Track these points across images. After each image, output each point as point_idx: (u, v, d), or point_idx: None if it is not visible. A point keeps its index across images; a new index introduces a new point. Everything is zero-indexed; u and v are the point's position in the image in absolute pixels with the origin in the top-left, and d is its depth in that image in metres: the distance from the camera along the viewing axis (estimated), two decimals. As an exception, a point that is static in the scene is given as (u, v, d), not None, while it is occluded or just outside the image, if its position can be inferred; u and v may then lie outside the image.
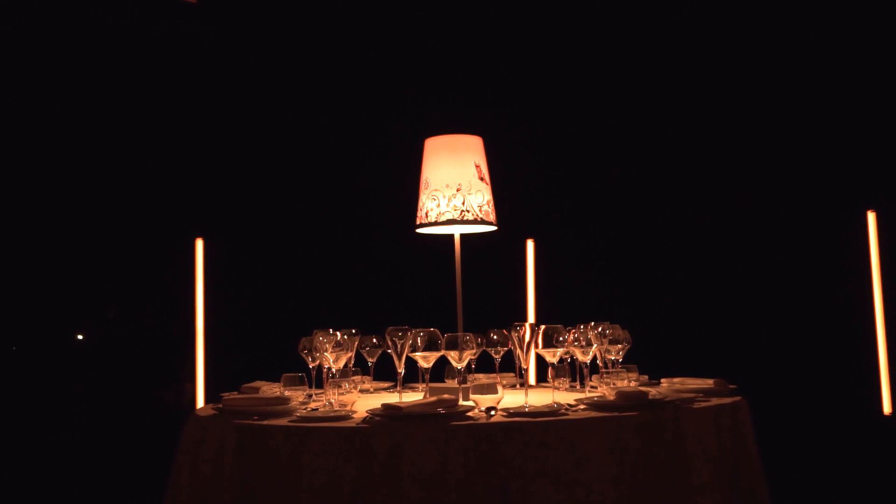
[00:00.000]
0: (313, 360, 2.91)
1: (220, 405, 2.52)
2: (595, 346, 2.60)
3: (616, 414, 2.18)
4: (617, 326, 2.73)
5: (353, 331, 2.76)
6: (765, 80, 4.75)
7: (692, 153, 4.85)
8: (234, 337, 5.11)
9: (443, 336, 2.56)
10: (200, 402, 5.10)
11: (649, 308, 4.69)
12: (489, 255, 4.94)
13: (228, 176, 5.28)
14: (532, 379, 4.49)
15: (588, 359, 2.64)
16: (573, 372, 2.89)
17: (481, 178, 2.94)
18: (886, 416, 4.45)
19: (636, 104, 4.92)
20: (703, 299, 4.74)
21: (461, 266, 2.98)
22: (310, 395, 2.82)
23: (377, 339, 2.83)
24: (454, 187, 2.87)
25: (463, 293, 2.98)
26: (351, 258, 5.14)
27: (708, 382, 2.75)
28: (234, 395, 2.71)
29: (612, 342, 2.67)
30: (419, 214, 2.97)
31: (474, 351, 2.47)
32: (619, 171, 4.94)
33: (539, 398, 2.54)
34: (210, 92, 5.33)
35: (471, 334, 2.48)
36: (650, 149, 4.91)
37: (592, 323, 2.67)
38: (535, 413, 2.19)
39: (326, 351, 2.59)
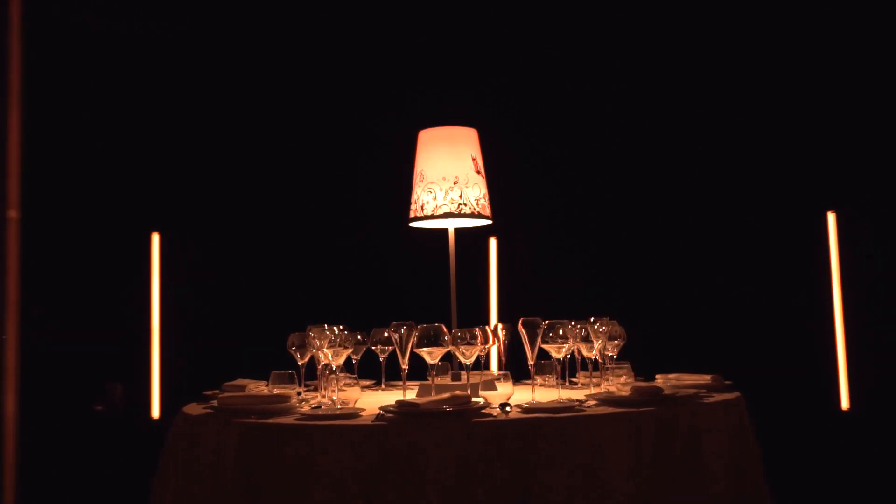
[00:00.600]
0: (302, 357, 2.81)
1: (214, 403, 2.40)
2: (600, 341, 2.57)
3: (634, 409, 2.15)
4: (614, 322, 2.70)
5: (341, 327, 2.68)
6: (733, 84, 4.83)
7: (656, 155, 4.89)
8: (194, 337, 4.95)
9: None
10: (156, 405, 4.92)
11: (617, 304, 4.70)
12: (482, 250, 4.90)
13: (194, 167, 5.12)
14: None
15: (593, 354, 2.61)
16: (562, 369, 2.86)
17: (478, 171, 2.89)
18: (844, 412, 4.55)
19: (616, 102, 4.94)
20: (667, 297, 4.78)
21: (454, 260, 2.92)
22: (299, 393, 2.72)
23: (362, 336, 2.76)
24: (451, 180, 2.81)
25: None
26: (332, 253, 5.04)
27: (705, 378, 2.75)
28: (228, 393, 2.59)
29: (611, 338, 2.64)
30: (413, 208, 2.90)
31: (482, 347, 2.41)
32: (588, 170, 4.95)
33: (540, 395, 2.50)
34: (181, 81, 5.16)
35: (479, 329, 2.42)
36: (618, 154, 4.94)
37: (592, 318, 2.64)
38: (554, 409, 2.14)
39: (323, 347, 2.49)
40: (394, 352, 2.54)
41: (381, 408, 2.17)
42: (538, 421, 2.03)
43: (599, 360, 2.69)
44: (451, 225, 2.95)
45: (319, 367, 2.71)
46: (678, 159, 4.86)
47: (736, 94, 4.82)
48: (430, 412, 2.05)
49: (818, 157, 4.69)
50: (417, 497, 1.94)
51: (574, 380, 3.01)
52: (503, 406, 2.19)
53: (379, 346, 2.76)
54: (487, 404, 2.19)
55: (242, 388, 2.85)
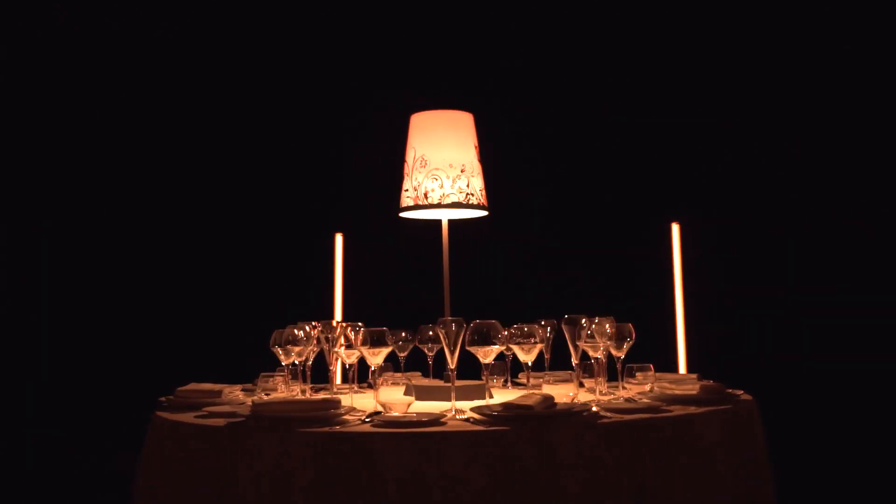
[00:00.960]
0: (287, 357, 2.47)
1: (249, 413, 2.01)
2: (625, 342, 2.52)
3: (717, 408, 2.15)
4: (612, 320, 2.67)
5: (360, 324, 2.41)
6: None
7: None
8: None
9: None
10: None
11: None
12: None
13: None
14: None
15: (622, 353, 2.54)
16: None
17: (479, 160, 2.74)
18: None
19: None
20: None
21: (448, 254, 2.74)
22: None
23: (407, 333, 2.48)
24: (458, 167, 2.63)
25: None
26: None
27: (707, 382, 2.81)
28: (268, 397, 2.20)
29: (620, 338, 2.61)
30: (412, 195, 2.66)
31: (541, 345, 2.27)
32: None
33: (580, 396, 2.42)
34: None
35: (537, 326, 2.27)
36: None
37: (597, 319, 2.58)
38: (638, 409, 2.08)
39: (358, 344, 2.21)
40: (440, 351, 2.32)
41: (472, 409, 1.97)
42: (651, 422, 1.97)
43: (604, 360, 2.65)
44: (444, 216, 2.76)
45: (346, 365, 2.43)
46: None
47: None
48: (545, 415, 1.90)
49: (664, 170, 5.00)
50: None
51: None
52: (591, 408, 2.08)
53: (428, 345, 2.49)
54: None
55: (206, 392, 2.48)
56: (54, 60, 4.87)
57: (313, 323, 2.47)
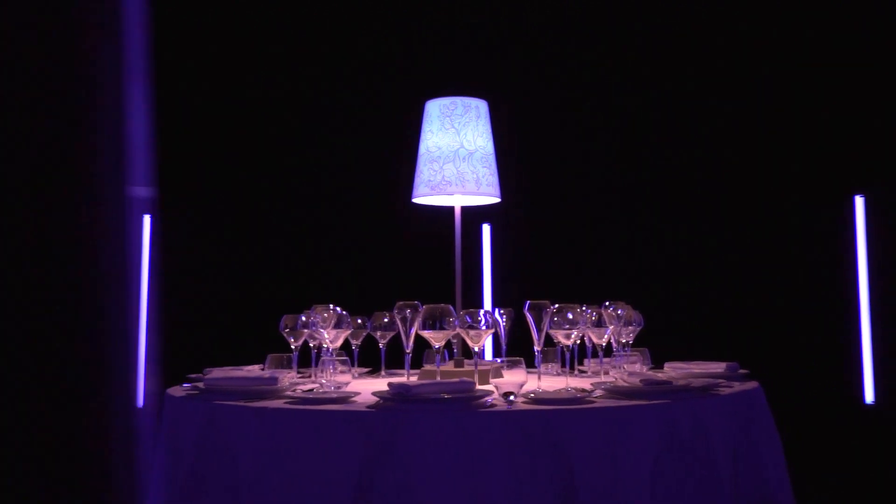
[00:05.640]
0: (296, 340, 2.68)
1: (200, 385, 2.27)
2: (613, 327, 2.42)
3: (645, 402, 2.00)
4: (629, 307, 2.55)
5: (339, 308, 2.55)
6: (750, 66, 4.63)
7: (671, 135, 4.71)
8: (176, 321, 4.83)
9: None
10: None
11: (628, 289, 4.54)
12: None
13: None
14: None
15: (604, 341, 2.45)
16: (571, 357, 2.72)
17: (494, 147, 2.77)
18: (869, 406, 4.38)
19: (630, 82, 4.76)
20: (690, 284, 4.60)
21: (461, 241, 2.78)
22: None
23: (363, 320, 2.63)
24: (471, 154, 2.67)
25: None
26: (317, 234, 4.88)
27: (719, 366, 2.61)
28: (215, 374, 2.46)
29: (626, 324, 2.49)
30: (429, 182, 2.72)
31: (490, 331, 2.27)
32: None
33: (546, 384, 2.37)
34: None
35: (487, 312, 2.27)
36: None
37: (607, 302, 2.49)
38: (562, 400, 2.00)
39: (320, 328, 2.36)
40: (396, 337, 2.41)
41: (374, 393, 2.04)
42: (544, 413, 1.89)
43: (615, 347, 2.55)
44: (458, 203, 2.80)
45: (315, 350, 2.60)
46: (698, 140, 4.67)
47: (753, 75, 4.61)
48: (425, 398, 1.91)
49: (843, 138, 4.48)
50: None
51: (582, 368, 2.87)
52: (507, 396, 2.05)
53: (379, 332, 2.63)
54: (489, 392, 2.05)
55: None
56: None
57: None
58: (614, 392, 2.11)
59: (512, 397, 2.04)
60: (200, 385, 2.30)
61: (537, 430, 1.86)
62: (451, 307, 2.29)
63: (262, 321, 4.12)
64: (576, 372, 2.77)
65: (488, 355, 4.41)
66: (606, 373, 2.53)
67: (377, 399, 2.01)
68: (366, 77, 4.86)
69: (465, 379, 2.06)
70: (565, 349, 2.34)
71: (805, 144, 4.54)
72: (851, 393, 4.42)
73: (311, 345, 2.70)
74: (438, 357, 2.33)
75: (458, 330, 2.26)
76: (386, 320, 2.69)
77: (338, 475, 1.87)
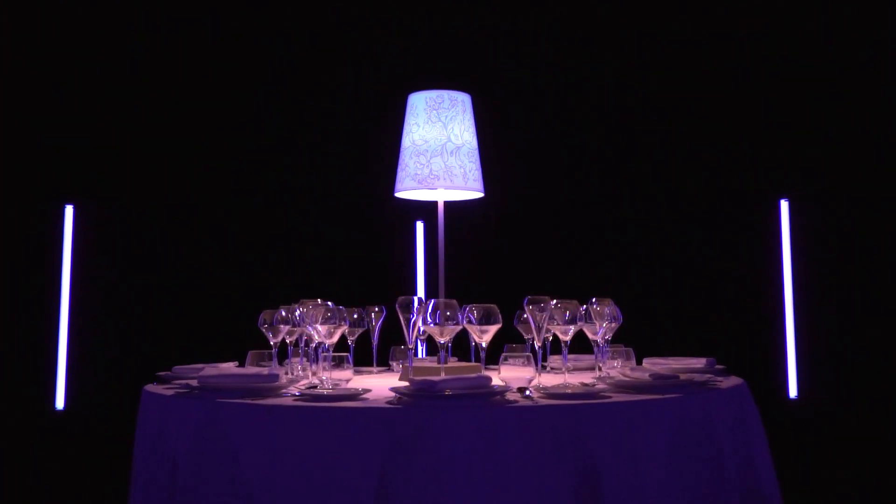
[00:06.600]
0: (275, 336, 2.59)
1: (193, 383, 2.16)
2: (606, 323, 2.44)
3: (659, 396, 2.03)
4: (612, 303, 2.57)
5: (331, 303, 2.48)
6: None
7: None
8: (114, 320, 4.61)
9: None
10: (61, 399, 4.54)
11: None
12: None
13: (117, 126, 4.74)
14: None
15: (599, 337, 2.47)
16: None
17: (477, 141, 2.74)
18: (792, 400, 4.59)
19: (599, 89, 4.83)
20: (622, 283, 4.71)
21: (444, 234, 2.75)
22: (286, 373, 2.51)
23: (359, 314, 2.57)
24: (455, 148, 2.63)
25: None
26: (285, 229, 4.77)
27: (699, 362, 2.67)
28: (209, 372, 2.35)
29: (611, 320, 2.51)
30: (414, 175, 2.68)
31: (500, 325, 2.25)
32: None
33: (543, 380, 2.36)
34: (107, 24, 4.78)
35: (493, 306, 2.25)
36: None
37: (594, 299, 2.50)
38: (578, 395, 2.01)
39: (317, 324, 2.28)
40: (364, 334, 2.36)
41: (392, 388, 1.99)
42: (570, 408, 1.89)
43: (601, 343, 2.57)
44: (441, 197, 2.77)
45: (293, 346, 2.52)
46: (629, 141, 4.80)
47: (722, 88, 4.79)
48: (451, 394, 1.88)
49: (770, 146, 4.69)
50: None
51: (551, 365, 2.88)
52: (522, 391, 2.04)
53: (348, 329, 2.58)
54: (508, 388, 2.02)
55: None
56: None
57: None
58: (626, 387, 2.13)
59: (528, 392, 2.03)
60: (192, 383, 2.18)
61: (563, 424, 1.86)
62: (456, 302, 2.25)
63: (199, 319, 3.95)
64: (548, 368, 2.79)
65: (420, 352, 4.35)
66: (577, 369, 2.54)
67: (395, 395, 1.96)
68: (340, 67, 4.81)
69: (483, 374, 2.03)
70: (564, 345, 2.34)
71: (735, 152, 4.73)
72: (776, 387, 4.62)
73: (288, 341, 2.62)
74: (443, 353, 2.29)
75: (465, 325, 2.23)
76: (356, 316, 2.66)
77: (358, 474, 1.81)
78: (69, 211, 4.63)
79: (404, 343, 2.42)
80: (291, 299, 2.60)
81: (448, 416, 1.81)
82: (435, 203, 2.83)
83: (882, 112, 4.58)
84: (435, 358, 2.67)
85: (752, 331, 4.63)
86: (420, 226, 4.85)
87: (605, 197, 4.78)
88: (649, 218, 4.73)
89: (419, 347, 4.14)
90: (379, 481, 1.81)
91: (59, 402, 4.55)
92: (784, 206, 4.68)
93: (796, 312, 4.60)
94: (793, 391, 4.59)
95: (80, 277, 4.60)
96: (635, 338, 4.23)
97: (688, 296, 4.66)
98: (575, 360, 2.94)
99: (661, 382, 2.11)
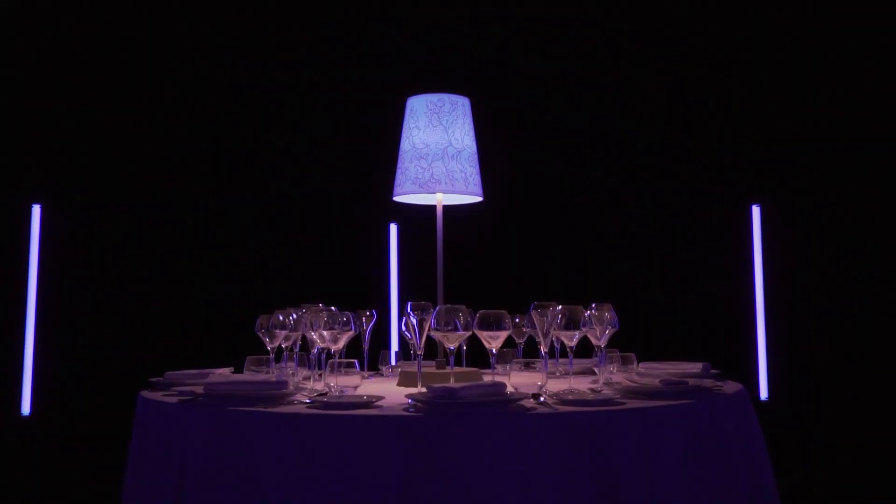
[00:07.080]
0: (272, 341, 2.54)
1: (199, 390, 2.11)
2: (609, 328, 2.45)
3: (672, 402, 2.04)
4: (611, 308, 2.59)
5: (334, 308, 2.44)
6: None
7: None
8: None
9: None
10: (27, 404, 4.42)
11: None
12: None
13: (89, 126, 4.63)
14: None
15: (602, 342, 2.47)
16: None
17: (476, 145, 2.73)
18: (763, 402, 4.67)
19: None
20: (596, 288, 4.75)
21: (443, 239, 2.73)
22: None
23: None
24: (454, 151, 2.62)
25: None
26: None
27: (696, 366, 2.70)
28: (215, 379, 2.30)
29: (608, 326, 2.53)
30: (412, 178, 2.64)
31: (510, 332, 2.24)
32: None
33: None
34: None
35: (503, 312, 2.24)
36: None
37: (593, 305, 2.51)
38: (594, 402, 2.01)
39: (321, 329, 2.25)
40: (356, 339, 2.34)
41: (408, 395, 1.96)
42: (590, 414, 1.89)
43: (602, 348, 2.58)
44: (442, 202, 2.75)
45: (310, 351, 2.48)
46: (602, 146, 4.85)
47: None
48: (472, 401, 1.86)
49: (744, 151, 4.77)
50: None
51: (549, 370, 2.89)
52: (536, 397, 2.03)
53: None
54: (524, 395, 2.02)
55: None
56: None
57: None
58: (637, 393, 2.14)
59: (542, 398, 2.02)
60: (197, 390, 2.13)
61: (584, 431, 1.86)
62: (465, 308, 2.24)
63: (168, 324, 3.85)
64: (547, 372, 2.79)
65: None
66: (567, 373, 2.54)
67: (412, 402, 1.94)
68: (334, 69, 4.76)
69: (497, 381, 2.02)
70: (570, 350, 2.35)
71: (708, 160, 4.80)
72: (749, 391, 4.68)
73: (284, 346, 2.58)
74: (452, 358, 2.28)
75: (476, 331, 2.22)
76: (345, 320, 2.62)
77: (380, 482, 1.79)
78: (36, 210, 4.50)
79: (390, 348, 2.40)
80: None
81: (471, 424, 1.79)
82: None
83: (851, 121, 4.69)
84: (433, 363, 2.64)
85: (723, 334, 4.70)
86: (394, 228, 4.82)
87: (588, 204, 4.82)
88: (625, 223, 4.77)
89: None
90: (401, 489, 1.79)
91: (25, 408, 4.43)
92: (756, 211, 4.76)
93: (767, 316, 4.69)
94: (763, 393, 4.67)
95: (48, 279, 4.48)
96: (610, 341, 4.27)
97: (660, 299, 4.71)
98: (563, 363, 2.94)
99: (673, 388, 2.13)
